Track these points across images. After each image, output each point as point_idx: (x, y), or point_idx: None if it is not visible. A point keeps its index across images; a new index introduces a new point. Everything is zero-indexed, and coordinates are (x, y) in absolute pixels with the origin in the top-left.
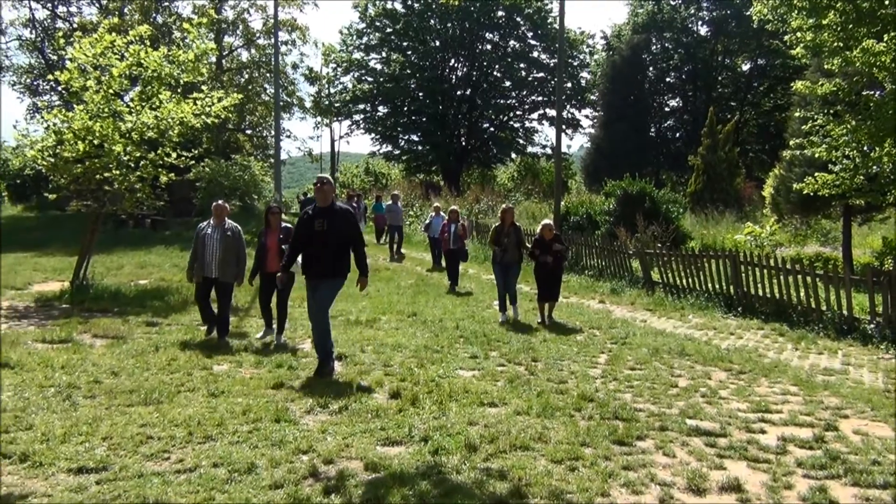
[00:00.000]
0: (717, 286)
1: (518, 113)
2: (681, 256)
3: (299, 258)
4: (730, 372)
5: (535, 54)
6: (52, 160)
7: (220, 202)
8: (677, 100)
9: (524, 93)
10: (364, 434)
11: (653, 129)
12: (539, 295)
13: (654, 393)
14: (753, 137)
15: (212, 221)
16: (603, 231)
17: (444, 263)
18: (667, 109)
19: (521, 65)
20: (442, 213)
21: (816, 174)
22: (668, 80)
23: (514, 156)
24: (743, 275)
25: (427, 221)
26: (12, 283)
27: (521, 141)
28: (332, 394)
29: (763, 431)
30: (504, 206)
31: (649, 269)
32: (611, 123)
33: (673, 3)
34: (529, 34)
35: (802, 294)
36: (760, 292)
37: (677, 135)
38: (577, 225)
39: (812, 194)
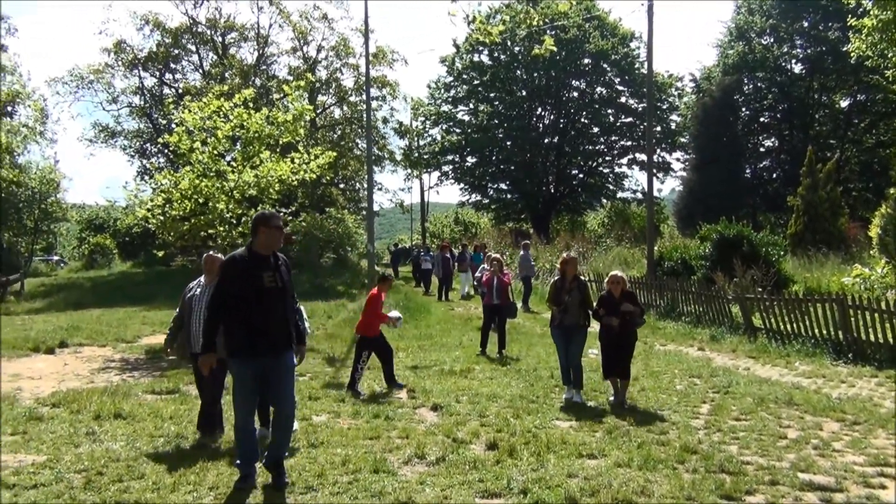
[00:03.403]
0: (824, 332)
1: (607, 158)
2: (784, 301)
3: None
4: (843, 423)
5: (623, 99)
6: (162, 218)
7: (211, 253)
8: (773, 140)
9: (613, 138)
10: (462, 486)
11: (748, 171)
12: (604, 370)
13: (761, 445)
14: (856, 175)
15: (202, 279)
16: (699, 276)
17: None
18: (762, 150)
19: (609, 110)
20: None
21: None
22: (762, 120)
23: (604, 201)
24: (852, 319)
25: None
26: (122, 336)
27: (611, 186)
28: (429, 445)
29: (883, 487)
30: (564, 255)
31: (750, 314)
32: (703, 166)
33: (764, 42)
34: (616, 80)
35: None
36: (872, 338)
37: (774, 175)
38: (671, 270)
39: None
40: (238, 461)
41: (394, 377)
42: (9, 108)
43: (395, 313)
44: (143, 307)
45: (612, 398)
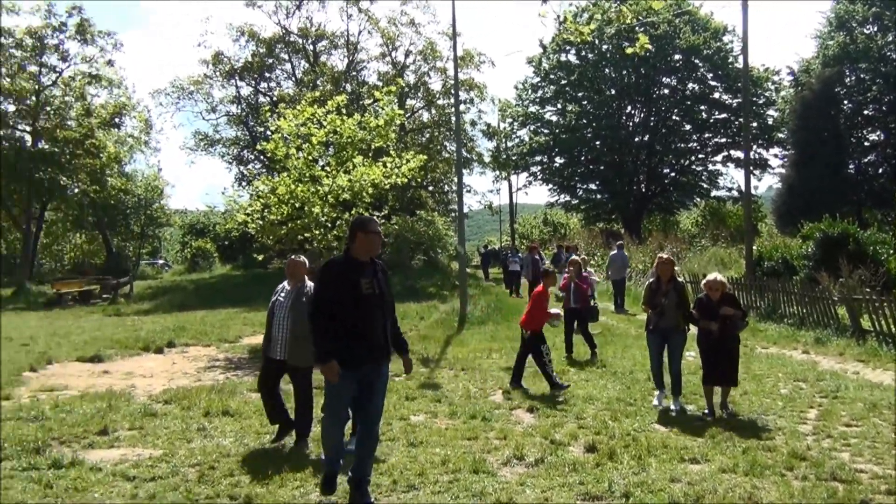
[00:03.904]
0: None
1: (700, 156)
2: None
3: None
4: None
5: (717, 95)
6: (261, 223)
7: (294, 257)
8: (878, 133)
9: (706, 135)
10: (563, 488)
11: (851, 166)
12: (703, 376)
13: (875, 452)
14: None
15: (286, 284)
16: (801, 276)
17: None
18: (867, 144)
19: (702, 107)
20: (589, 269)
21: None
22: (866, 112)
23: (697, 200)
24: None
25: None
26: (225, 336)
27: (705, 185)
28: (527, 446)
29: None
30: (660, 255)
31: (858, 316)
32: (803, 162)
33: (867, 32)
34: (709, 75)
35: None
36: None
37: (880, 170)
38: (771, 270)
39: None
40: (323, 457)
41: (521, 378)
42: (116, 120)
43: (555, 310)
44: (243, 308)
45: (707, 411)
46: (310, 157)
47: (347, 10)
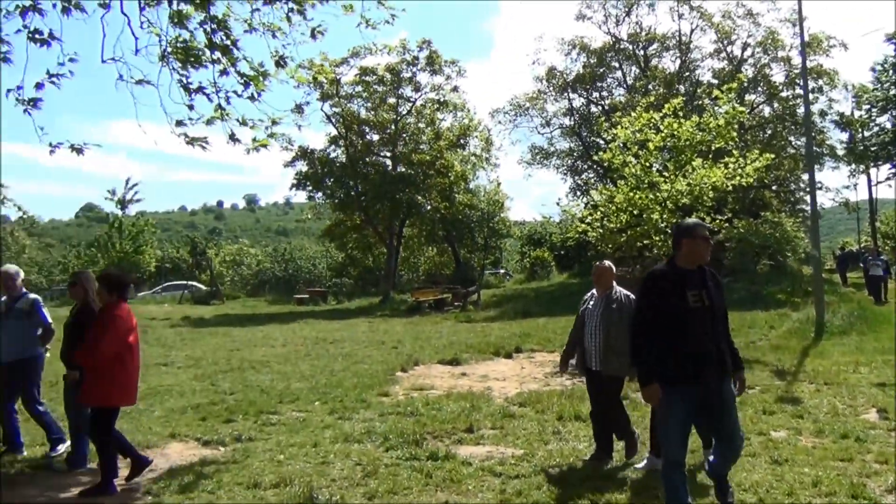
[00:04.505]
0: None
1: None
2: None
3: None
4: None
5: None
6: (601, 231)
7: (599, 263)
8: None
9: None
10: None
11: None
12: None
13: None
14: None
15: (594, 291)
16: None
17: None
18: None
19: None
20: None
21: None
22: None
23: None
24: None
25: None
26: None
27: None
28: None
29: None
30: None
31: None
32: None
33: None
34: None
35: None
36: None
37: None
38: None
39: None
40: None
41: None
42: (461, 141)
43: None
44: None
45: None
46: (646, 164)
47: (678, 9)
